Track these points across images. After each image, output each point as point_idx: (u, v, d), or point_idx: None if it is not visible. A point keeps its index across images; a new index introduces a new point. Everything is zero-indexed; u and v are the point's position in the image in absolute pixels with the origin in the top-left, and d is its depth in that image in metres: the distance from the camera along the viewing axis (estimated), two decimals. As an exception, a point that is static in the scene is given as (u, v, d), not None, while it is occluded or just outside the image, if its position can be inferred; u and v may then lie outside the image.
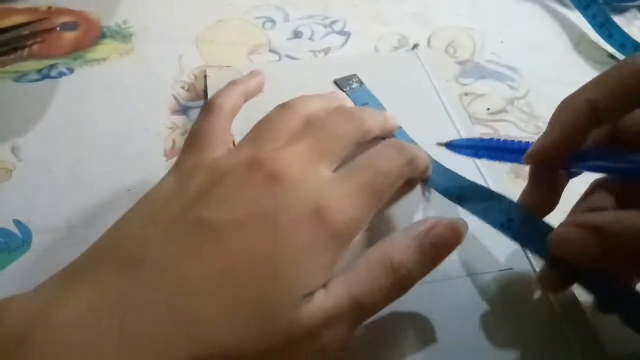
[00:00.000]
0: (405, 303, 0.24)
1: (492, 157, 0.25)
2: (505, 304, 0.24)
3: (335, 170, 0.22)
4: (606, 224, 0.18)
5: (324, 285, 0.19)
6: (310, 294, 0.18)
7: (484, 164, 0.30)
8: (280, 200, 0.19)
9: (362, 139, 0.24)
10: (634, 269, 0.20)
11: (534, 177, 0.24)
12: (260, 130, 0.23)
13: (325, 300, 0.18)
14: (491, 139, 0.25)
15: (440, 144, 0.27)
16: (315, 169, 0.21)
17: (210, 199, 0.19)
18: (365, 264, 0.20)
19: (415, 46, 0.39)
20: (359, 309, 0.19)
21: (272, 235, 0.18)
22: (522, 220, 0.22)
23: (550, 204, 0.23)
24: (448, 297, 0.24)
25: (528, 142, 0.23)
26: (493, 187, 0.28)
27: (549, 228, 0.20)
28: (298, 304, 0.17)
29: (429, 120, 0.33)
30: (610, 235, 0.18)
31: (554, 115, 0.21)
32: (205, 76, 0.35)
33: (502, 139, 0.25)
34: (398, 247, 0.20)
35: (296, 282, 0.18)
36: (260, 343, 0.17)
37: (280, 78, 0.34)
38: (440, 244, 0.20)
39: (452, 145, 0.27)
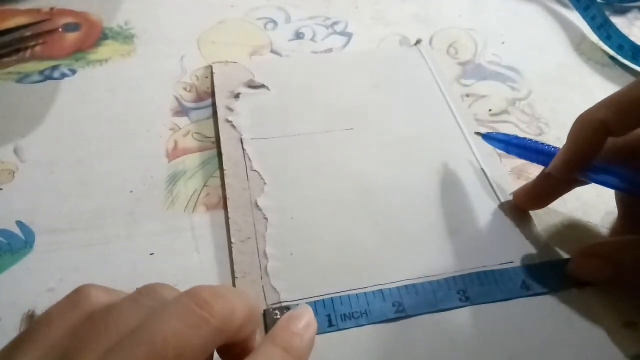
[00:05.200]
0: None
1: (520, 155, 0.27)
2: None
3: None
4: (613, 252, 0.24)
5: None
6: None
7: (486, 163, 0.30)
8: None
9: None
10: None
11: (540, 179, 0.27)
12: None
13: None
14: (524, 138, 0.27)
15: (478, 134, 0.29)
16: None
17: None
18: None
19: (418, 42, 0.39)
20: None
21: None
22: None
23: (541, 205, 0.28)
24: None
25: (556, 148, 0.26)
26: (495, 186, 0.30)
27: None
28: None
29: (432, 113, 0.34)
30: (617, 261, 0.24)
31: (570, 131, 0.24)
32: (212, 72, 0.35)
33: (533, 140, 0.27)
34: None
35: None
36: None
37: (282, 73, 0.35)
38: None
39: (487, 136, 0.29)
